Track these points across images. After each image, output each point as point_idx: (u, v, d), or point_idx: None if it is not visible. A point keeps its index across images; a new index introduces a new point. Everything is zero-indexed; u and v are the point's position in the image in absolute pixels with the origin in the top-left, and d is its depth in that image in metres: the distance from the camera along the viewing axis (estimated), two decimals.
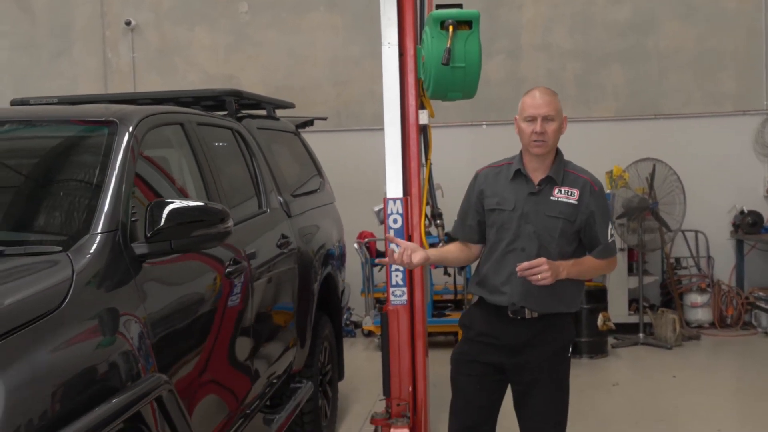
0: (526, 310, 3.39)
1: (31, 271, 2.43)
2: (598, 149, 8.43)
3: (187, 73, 9.33)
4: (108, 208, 2.79)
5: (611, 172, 8.15)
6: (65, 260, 2.52)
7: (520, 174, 3.40)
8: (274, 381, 4.31)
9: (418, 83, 4.70)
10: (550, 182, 3.38)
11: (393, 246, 3.65)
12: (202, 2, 9.33)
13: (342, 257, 5.93)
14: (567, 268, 3.29)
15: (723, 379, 6.97)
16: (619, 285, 8.12)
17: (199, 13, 9.33)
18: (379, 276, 8.23)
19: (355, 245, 7.78)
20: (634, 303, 8.20)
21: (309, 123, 6.28)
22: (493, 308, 3.45)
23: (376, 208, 5.61)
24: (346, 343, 6.20)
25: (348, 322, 8.36)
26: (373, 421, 4.96)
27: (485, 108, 8.56)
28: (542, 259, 3.20)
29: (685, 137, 8.64)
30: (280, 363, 4.33)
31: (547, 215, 3.36)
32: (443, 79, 4.41)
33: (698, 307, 8.41)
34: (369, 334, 8.29)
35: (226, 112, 4.76)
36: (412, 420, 4.77)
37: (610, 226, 3.44)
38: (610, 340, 7.73)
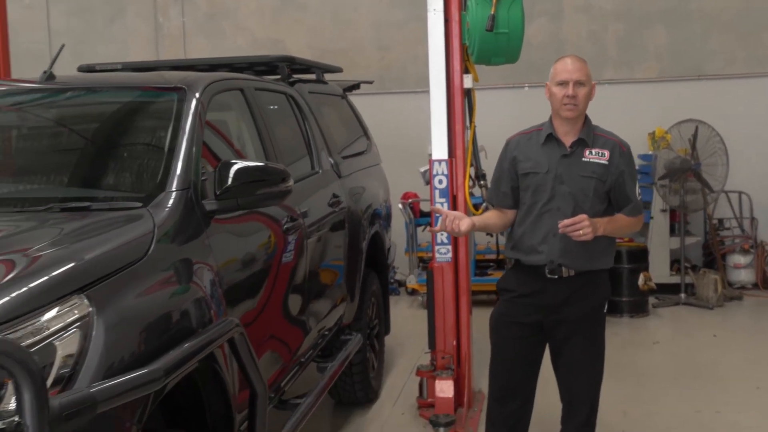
0: (563, 269, 3.51)
1: (120, 224, 2.68)
2: (640, 110, 8.52)
3: (235, 37, 9.53)
4: (181, 168, 3.03)
5: (653, 133, 8.21)
6: (147, 215, 2.77)
7: (551, 138, 3.54)
8: (326, 333, 4.54)
9: (463, 48, 4.86)
10: (581, 144, 3.52)
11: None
12: None
13: (388, 217, 6.13)
14: (603, 225, 3.44)
15: (764, 338, 7.03)
16: (660, 246, 8.19)
17: None
18: (422, 236, 8.43)
19: (400, 206, 7.97)
20: (675, 264, 8.26)
21: (356, 87, 6.46)
22: (530, 269, 3.58)
23: (422, 169, 5.78)
24: (391, 301, 6.42)
25: (392, 280, 8.57)
26: (418, 373, 5.20)
27: (527, 70, 8.56)
28: (583, 216, 3.34)
29: (728, 98, 8.63)
30: (332, 316, 4.57)
31: (580, 175, 3.50)
32: (487, 45, 4.58)
33: (741, 268, 8.44)
34: (413, 292, 8.49)
35: (278, 77, 4.96)
36: (456, 372, 5.00)
37: (637, 185, 3.59)
38: (651, 300, 7.84)
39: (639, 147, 8.44)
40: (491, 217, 3.74)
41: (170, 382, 2.35)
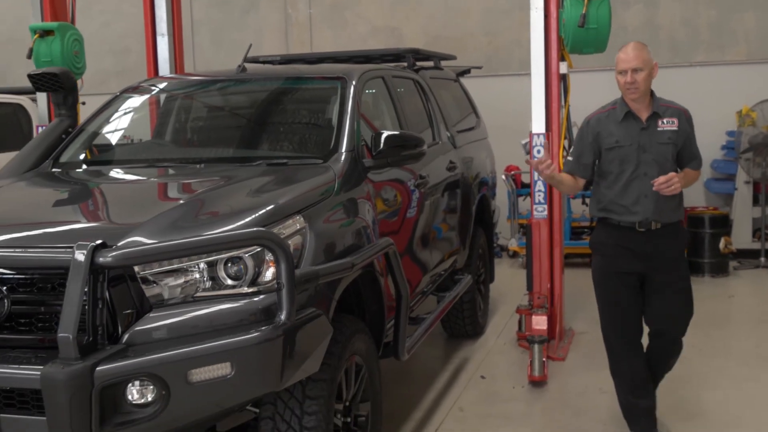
0: (652, 223, 4.13)
1: (314, 173, 3.84)
2: (729, 91, 9.17)
3: (356, 26, 10.62)
4: (347, 136, 4.17)
5: (740, 111, 8.92)
6: (330, 167, 3.93)
7: (629, 115, 4.16)
8: (442, 272, 5.62)
9: (560, 40, 5.85)
10: (654, 117, 4.19)
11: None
12: None
13: (493, 185, 7.14)
14: (681, 180, 4.09)
15: None
16: (743, 214, 8.91)
17: None
18: (523, 204, 9.35)
19: (503, 177, 8.94)
20: (758, 231, 8.93)
21: (467, 71, 7.48)
22: (621, 226, 4.18)
23: (523, 141, 6.79)
24: (495, 262, 7.38)
25: (495, 245, 9.49)
26: (518, 311, 6.24)
27: None
28: (672, 173, 4.00)
29: None
30: (448, 259, 5.65)
31: (659, 143, 4.13)
32: (579, 38, 5.56)
33: None
34: (514, 254, 9.45)
35: (405, 65, 6.05)
36: (550, 310, 6.02)
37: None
38: (733, 263, 8.61)
39: (728, 124, 9.17)
40: (566, 178, 4.39)
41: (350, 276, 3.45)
